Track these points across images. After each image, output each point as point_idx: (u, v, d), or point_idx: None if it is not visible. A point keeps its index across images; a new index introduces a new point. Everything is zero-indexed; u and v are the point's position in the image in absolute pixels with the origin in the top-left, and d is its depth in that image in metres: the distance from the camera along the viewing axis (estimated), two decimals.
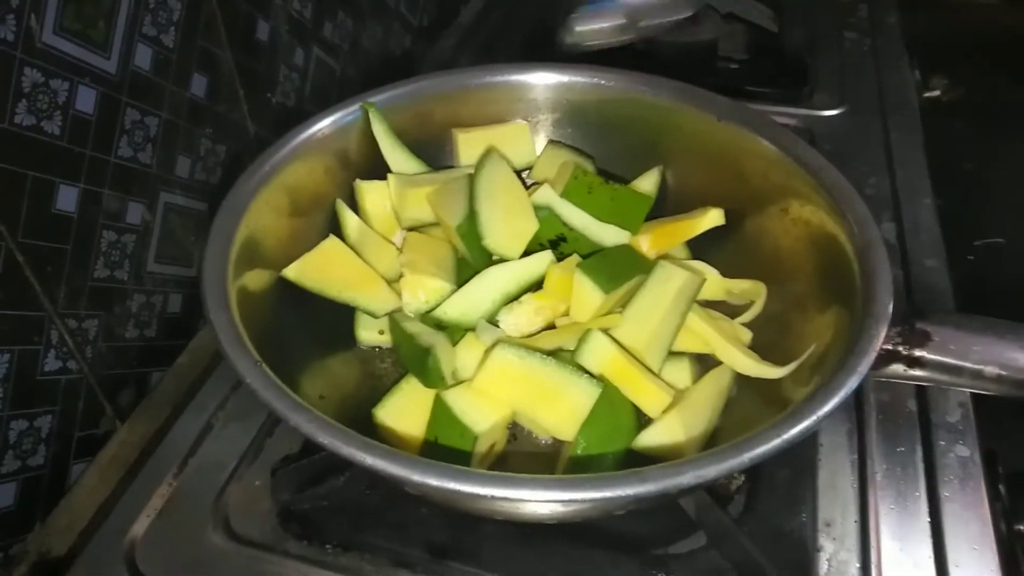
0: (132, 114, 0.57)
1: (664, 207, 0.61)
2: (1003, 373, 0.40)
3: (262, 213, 0.50)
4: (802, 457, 0.52)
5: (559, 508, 0.33)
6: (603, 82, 0.59)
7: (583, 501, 0.32)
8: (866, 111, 0.85)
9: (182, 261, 0.66)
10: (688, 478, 0.33)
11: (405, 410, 0.50)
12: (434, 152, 0.63)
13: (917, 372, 0.41)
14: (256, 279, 0.48)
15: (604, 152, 0.63)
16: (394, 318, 0.55)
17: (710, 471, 0.34)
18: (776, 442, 0.35)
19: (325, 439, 0.35)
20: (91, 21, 0.52)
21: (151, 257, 0.62)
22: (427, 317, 0.54)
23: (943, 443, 0.53)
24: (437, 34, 1.07)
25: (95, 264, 0.56)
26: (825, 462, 0.52)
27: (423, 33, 1.06)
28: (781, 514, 0.49)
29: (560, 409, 0.47)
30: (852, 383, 0.36)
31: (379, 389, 0.53)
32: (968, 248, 0.79)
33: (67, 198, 0.52)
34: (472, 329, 0.53)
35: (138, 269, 0.61)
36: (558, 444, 0.52)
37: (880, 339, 0.38)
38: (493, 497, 0.32)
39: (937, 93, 0.95)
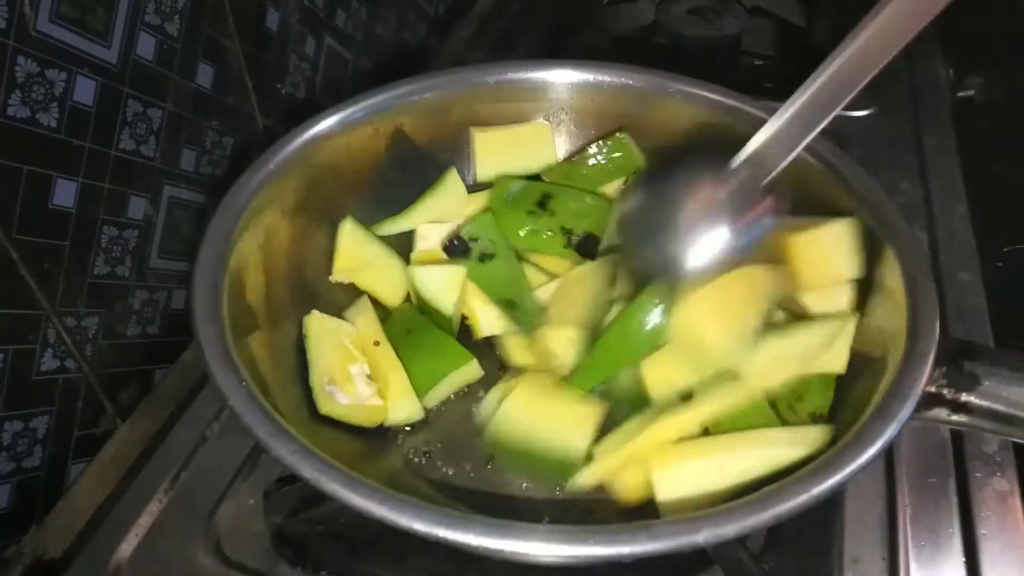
0: (134, 106, 0.55)
1: None
2: None
3: (264, 215, 0.47)
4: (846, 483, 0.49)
5: (561, 561, 0.31)
6: (630, 82, 0.56)
7: (586, 558, 0.30)
8: (897, 112, 0.82)
9: (187, 256, 0.64)
10: (704, 536, 0.31)
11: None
12: (450, 152, 0.60)
13: (962, 418, 0.38)
14: (257, 285, 0.45)
15: None
16: None
17: (728, 529, 0.31)
18: (804, 498, 0.32)
19: (308, 473, 0.32)
20: (89, 9, 0.49)
21: (154, 252, 0.60)
22: None
23: (979, 475, 0.49)
24: (454, 23, 1.04)
25: (95, 260, 0.55)
26: (852, 493, 0.49)
27: (439, 22, 1.03)
28: (804, 550, 0.46)
29: None
30: (890, 431, 0.33)
31: None
32: (997, 254, 0.76)
33: (65, 193, 0.51)
34: None
35: (140, 265, 0.59)
36: None
37: (923, 382, 0.35)
38: (487, 548, 0.30)
39: (971, 93, 0.92)
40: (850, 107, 0.80)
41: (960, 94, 0.90)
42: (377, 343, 0.53)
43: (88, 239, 0.53)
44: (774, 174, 0.44)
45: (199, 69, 0.61)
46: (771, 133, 0.43)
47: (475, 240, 0.56)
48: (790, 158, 0.44)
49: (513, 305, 0.54)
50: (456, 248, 0.56)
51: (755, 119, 0.52)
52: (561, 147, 0.62)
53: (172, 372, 0.62)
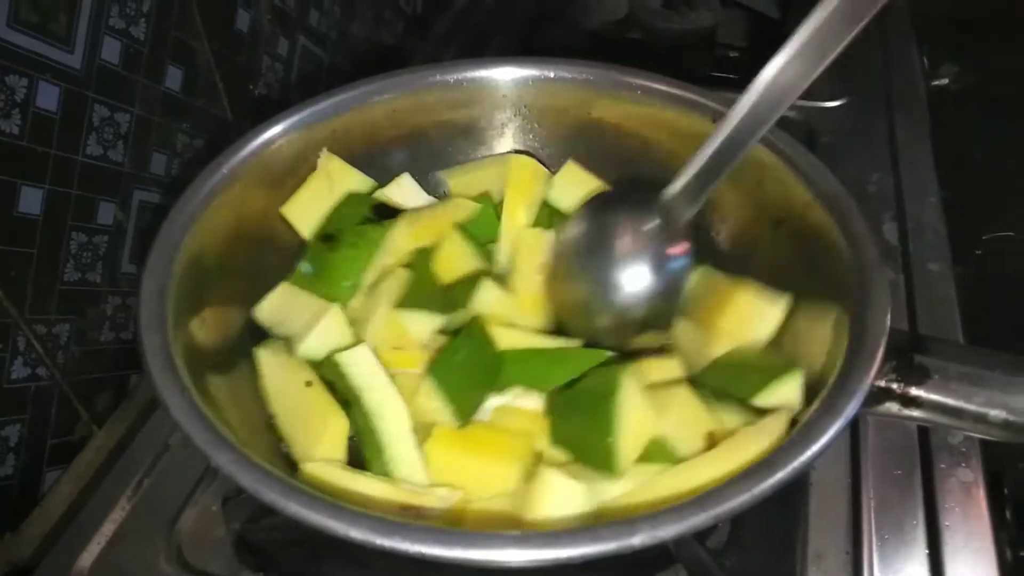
0: (100, 110, 0.55)
1: None
2: (1011, 418, 0.36)
3: (217, 221, 0.47)
4: (791, 482, 0.49)
5: (500, 565, 0.31)
6: (588, 78, 0.55)
7: (526, 562, 0.30)
8: (870, 102, 0.82)
9: None
10: (640, 538, 0.30)
11: None
12: (405, 153, 0.60)
13: (913, 412, 0.38)
14: (208, 293, 0.45)
15: (585, 156, 0.59)
16: None
17: (667, 531, 0.31)
18: (745, 497, 0.32)
19: (247, 482, 0.32)
20: (50, 13, 0.49)
21: (126, 257, 0.60)
22: None
23: (944, 466, 0.50)
24: (432, 21, 1.04)
25: (64, 267, 0.54)
26: (816, 486, 0.49)
27: (417, 20, 1.03)
28: (767, 546, 0.46)
29: None
30: (836, 427, 0.33)
31: None
32: (976, 242, 0.76)
33: (31, 200, 0.50)
34: None
35: (112, 271, 0.59)
36: None
37: (871, 377, 0.35)
38: (423, 554, 0.30)
39: (946, 81, 0.92)
40: (822, 97, 0.81)
41: (935, 83, 0.90)
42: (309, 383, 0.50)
43: (56, 246, 0.53)
44: (697, 207, 0.47)
45: (167, 72, 0.61)
46: (698, 167, 0.45)
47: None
48: (708, 192, 0.46)
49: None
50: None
51: (717, 111, 0.52)
52: (512, 145, 0.62)
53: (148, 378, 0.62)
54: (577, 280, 0.50)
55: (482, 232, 0.57)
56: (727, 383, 0.47)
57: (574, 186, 0.58)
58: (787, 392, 0.43)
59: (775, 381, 0.43)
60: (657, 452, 0.44)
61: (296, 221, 0.56)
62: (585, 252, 0.50)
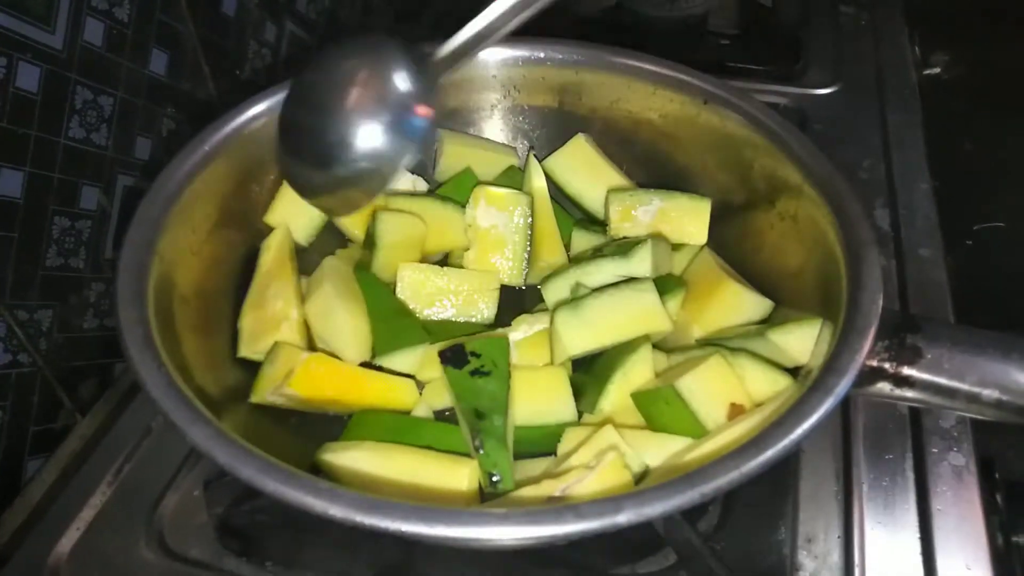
0: (83, 93, 0.54)
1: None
2: (1004, 398, 0.36)
3: (197, 199, 0.46)
4: (782, 465, 0.48)
5: (486, 544, 0.30)
6: (578, 58, 0.55)
7: (512, 540, 0.29)
8: (862, 90, 0.82)
9: None
10: (626, 516, 0.30)
11: None
12: None
13: (906, 392, 0.37)
14: (188, 269, 0.44)
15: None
16: None
17: (654, 508, 0.30)
18: (733, 475, 0.31)
19: (223, 459, 0.32)
20: None
21: (109, 243, 0.59)
22: None
23: (936, 451, 0.49)
24: (422, 7, 1.03)
25: (46, 252, 0.53)
26: (807, 471, 0.49)
27: (407, 6, 1.02)
28: (758, 529, 0.46)
29: None
30: (826, 406, 0.33)
31: None
32: (967, 232, 0.76)
33: (11, 182, 0.49)
34: None
35: (95, 256, 0.58)
36: None
37: (862, 356, 0.34)
38: (404, 532, 0.29)
39: (937, 71, 0.91)
40: (815, 84, 0.81)
41: (926, 72, 0.90)
42: None
43: (38, 230, 0.52)
44: (454, 70, 0.45)
45: (152, 55, 0.60)
46: (478, 30, 0.45)
47: (477, 356, 0.51)
48: (471, 56, 0.45)
49: (480, 416, 0.48)
50: (452, 358, 0.52)
51: (709, 92, 0.52)
52: (501, 128, 0.62)
53: None
54: (306, 127, 0.45)
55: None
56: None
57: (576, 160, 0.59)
58: (805, 334, 0.43)
59: (795, 323, 0.43)
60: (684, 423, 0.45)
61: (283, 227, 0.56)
62: (319, 97, 0.45)
